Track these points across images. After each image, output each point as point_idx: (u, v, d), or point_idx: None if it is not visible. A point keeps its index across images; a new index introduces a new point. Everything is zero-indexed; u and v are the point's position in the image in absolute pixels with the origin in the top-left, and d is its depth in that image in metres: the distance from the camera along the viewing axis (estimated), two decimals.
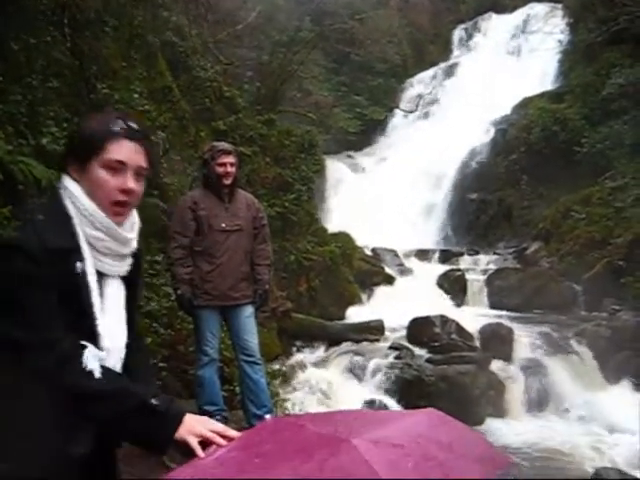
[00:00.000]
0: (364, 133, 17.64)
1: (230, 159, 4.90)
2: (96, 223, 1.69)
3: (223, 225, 4.86)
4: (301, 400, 7.19)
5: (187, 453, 1.64)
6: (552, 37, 17.71)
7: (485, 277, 11.47)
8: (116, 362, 1.73)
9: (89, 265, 1.67)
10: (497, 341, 8.52)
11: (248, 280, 4.94)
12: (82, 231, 1.68)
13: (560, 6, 18.85)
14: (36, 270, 1.59)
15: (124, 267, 1.79)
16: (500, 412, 7.58)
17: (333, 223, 12.73)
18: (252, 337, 4.92)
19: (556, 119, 14.20)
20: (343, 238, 11.53)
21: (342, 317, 10.16)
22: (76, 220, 1.68)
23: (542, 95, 16.03)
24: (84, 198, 1.68)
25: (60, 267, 1.62)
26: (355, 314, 10.18)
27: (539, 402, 7.77)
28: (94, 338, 1.66)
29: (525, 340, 8.58)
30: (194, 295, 4.84)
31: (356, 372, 8.01)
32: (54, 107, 6.23)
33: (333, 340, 8.93)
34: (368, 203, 14.45)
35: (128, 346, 1.78)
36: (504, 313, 10.32)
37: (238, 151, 5.65)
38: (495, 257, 12.75)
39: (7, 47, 5.81)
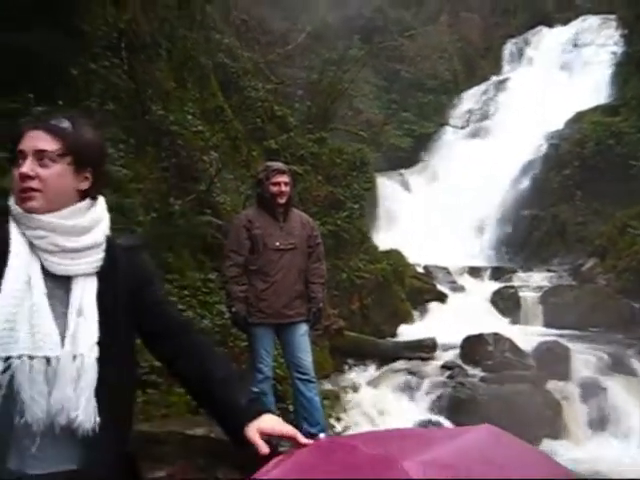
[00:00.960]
0: (415, 150, 17.58)
1: (284, 178, 4.96)
2: (27, 222, 1.69)
3: (277, 244, 4.91)
4: (353, 419, 7.15)
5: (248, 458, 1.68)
6: (605, 49, 17.42)
7: (539, 294, 11.26)
8: (80, 363, 1.67)
9: (13, 267, 1.64)
10: (553, 360, 8.33)
11: (302, 298, 4.97)
12: (24, 237, 1.68)
13: (613, 17, 18.54)
14: None
15: (81, 265, 1.73)
16: (557, 433, 7.39)
17: (385, 241, 12.69)
18: (306, 355, 4.94)
19: (611, 132, 13.93)
20: (395, 256, 11.49)
21: (394, 335, 10.10)
22: (14, 229, 1.69)
23: (596, 109, 15.76)
24: (12, 201, 1.71)
25: None
26: (407, 332, 10.10)
27: (598, 423, 7.56)
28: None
29: (582, 359, 8.37)
30: (249, 313, 4.89)
31: (408, 391, 7.93)
32: (111, 129, 6.40)
33: (385, 358, 8.87)
34: (419, 220, 14.38)
35: (100, 344, 1.70)
36: (560, 331, 10.10)
37: (292, 170, 5.70)
38: (549, 274, 12.51)
39: (67, 73, 6.00)
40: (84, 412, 1.65)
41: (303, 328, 4.97)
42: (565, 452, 6.97)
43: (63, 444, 1.66)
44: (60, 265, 1.70)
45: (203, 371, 1.82)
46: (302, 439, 1.69)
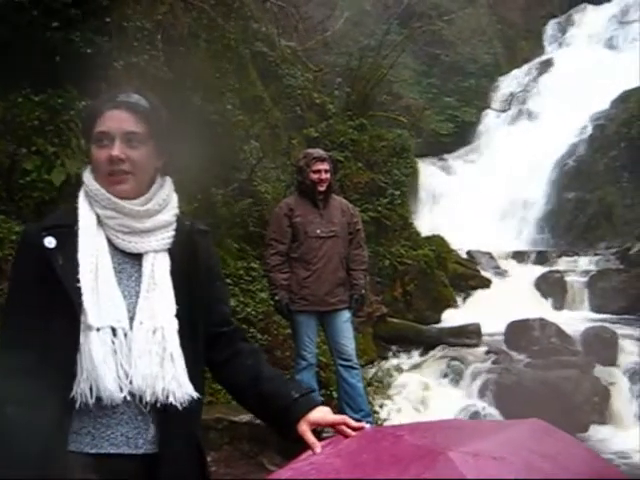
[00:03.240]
0: (456, 135, 17.36)
1: (324, 166, 4.97)
2: (102, 202, 1.68)
3: (318, 231, 4.92)
4: (397, 406, 7.15)
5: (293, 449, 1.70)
6: None
7: (586, 279, 11.05)
8: (161, 337, 1.65)
9: (84, 242, 1.65)
10: (600, 345, 8.20)
11: (344, 285, 4.99)
12: (93, 213, 1.69)
13: None
14: (23, 251, 1.72)
15: (152, 243, 1.72)
16: (605, 419, 7.29)
17: (427, 227, 12.60)
18: (349, 342, 4.96)
19: None
20: (437, 241, 11.41)
21: (438, 321, 10.05)
22: (84, 204, 1.70)
23: None
24: (90, 180, 1.71)
25: (36, 244, 1.65)
26: (451, 318, 10.03)
27: None
28: (73, 313, 1.60)
29: (631, 344, 8.22)
30: (291, 300, 4.92)
31: (453, 377, 7.89)
32: None
33: (429, 344, 8.83)
34: (462, 205, 14.22)
35: (180, 318, 1.69)
36: (607, 316, 9.92)
37: (332, 157, 5.70)
38: (596, 258, 12.25)
39: (109, 67, 6.08)
40: (175, 387, 1.64)
41: (346, 315, 4.99)
42: (613, 438, 6.88)
43: (136, 423, 1.64)
44: (130, 243, 1.71)
45: (255, 371, 1.82)
46: (352, 423, 1.70)
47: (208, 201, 7.18)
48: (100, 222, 1.69)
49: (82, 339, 1.59)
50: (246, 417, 4.98)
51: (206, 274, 1.81)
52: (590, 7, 20.25)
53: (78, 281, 1.61)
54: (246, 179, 8.09)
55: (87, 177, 1.73)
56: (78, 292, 1.60)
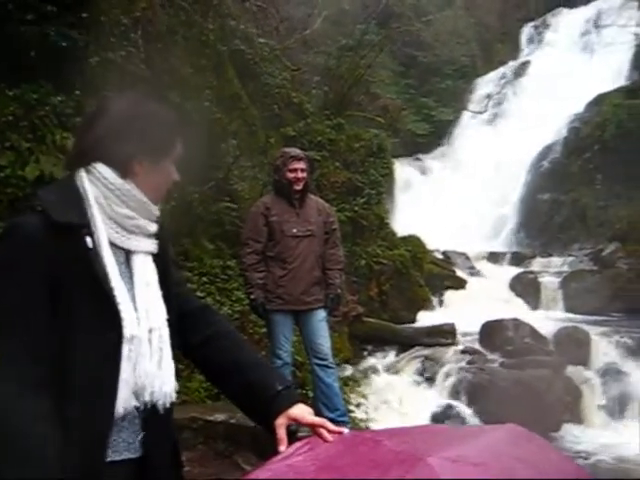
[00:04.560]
0: (433, 135, 17.48)
1: (301, 165, 4.96)
2: (129, 202, 1.64)
3: (294, 231, 4.92)
4: (373, 405, 7.18)
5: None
6: (627, 30, 17.16)
7: (559, 280, 11.18)
8: (159, 337, 1.64)
9: (103, 240, 1.58)
10: (573, 345, 8.30)
11: (320, 284, 4.99)
12: (106, 210, 1.61)
13: None
14: (28, 250, 1.51)
15: (153, 245, 1.72)
16: (577, 418, 7.38)
17: (403, 226, 12.65)
18: (325, 341, 4.96)
19: (632, 115, 13.75)
20: (413, 241, 11.46)
21: (413, 321, 10.09)
22: (94, 201, 1.60)
23: (617, 91, 15.54)
24: (115, 178, 1.63)
25: (69, 243, 1.54)
26: (426, 318, 10.09)
27: (618, 408, 7.53)
28: (115, 321, 1.55)
29: (603, 344, 8.33)
30: (267, 300, 4.91)
31: (428, 377, 7.94)
32: None
33: (404, 344, 8.87)
34: (438, 206, 14.33)
35: (168, 321, 1.69)
36: (580, 316, 10.04)
37: (309, 157, 5.70)
38: (570, 259, 12.40)
39: (85, 63, 6.02)
40: (168, 387, 1.64)
41: (321, 314, 4.99)
42: (584, 437, 6.97)
43: (133, 427, 1.63)
44: (142, 243, 1.69)
45: (235, 356, 1.81)
46: (331, 426, 1.70)
47: (184, 200, 7.13)
48: (116, 221, 1.65)
49: (125, 349, 1.56)
50: (221, 416, 4.97)
51: (171, 265, 1.82)
52: (566, 11, 20.48)
53: (112, 287, 1.57)
54: (223, 178, 8.06)
55: (109, 174, 1.63)
56: (116, 299, 1.57)
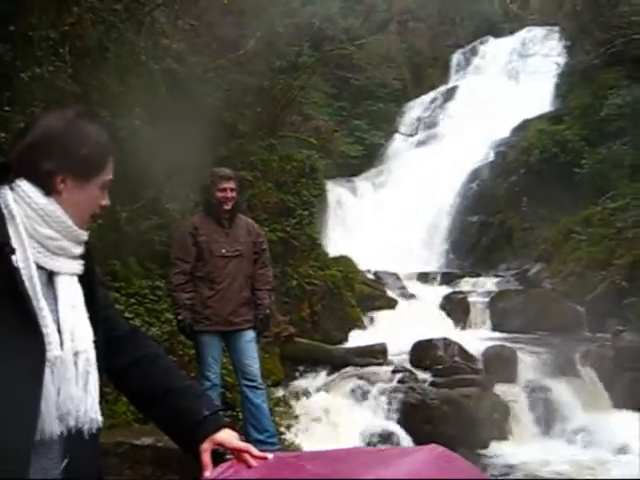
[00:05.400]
0: (365, 157, 17.70)
1: (230, 184, 4.95)
2: (52, 223, 1.59)
3: (223, 251, 4.89)
4: (304, 426, 7.14)
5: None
6: (550, 60, 17.83)
7: (487, 299, 11.43)
8: (85, 360, 1.60)
9: (29, 259, 1.53)
10: (501, 363, 8.48)
11: (249, 305, 4.96)
12: (28, 229, 1.56)
13: (557, 29, 19.01)
14: None
15: (79, 266, 1.67)
16: (505, 435, 7.52)
17: (335, 247, 12.73)
18: (253, 362, 4.93)
19: (555, 141, 14.25)
20: (344, 262, 11.53)
21: (345, 341, 10.12)
22: (17, 219, 1.55)
23: (541, 117, 16.10)
24: (39, 197, 1.58)
25: None
26: (358, 338, 10.13)
27: (544, 424, 7.71)
28: (38, 342, 1.49)
29: (529, 362, 8.54)
30: (195, 320, 4.86)
31: (359, 396, 7.96)
32: None
33: (336, 365, 8.88)
34: (369, 227, 14.47)
35: (95, 343, 1.64)
36: (507, 335, 10.27)
37: (239, 176, 5.70)
38: (497, 279, 12.72)
39: (13, 78, 5.87)
40: (93, 412, 1.59)
41: (250, 335, 4.96)
42: (512, 454, 7.09)
43: (52, 454, 1.55)
44: (66, 264, 1.63)
45: (162, 380, 1.79)
46: (255, 452, 1.69)
47: (113, 218, 7.00)
48: (38, 242, 1.59)
49: (48, 372, 1.51)
50: (148, 440, 4.85)
51: (97, 286, 1.76)
52: (492, 39, 21.15)
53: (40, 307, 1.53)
54: (153, 197, 7.96)
55: (32, 193, 1.59)
56: (40, 320, 1.51)
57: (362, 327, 10.70)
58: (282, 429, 6.43)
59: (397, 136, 18.64)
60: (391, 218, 14.53)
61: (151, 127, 8.61)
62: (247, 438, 4.96)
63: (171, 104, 10.04)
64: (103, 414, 1.66)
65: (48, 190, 1.61)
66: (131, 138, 7.78)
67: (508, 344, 9.06)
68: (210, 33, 11.77)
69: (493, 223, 14.72)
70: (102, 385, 1.67)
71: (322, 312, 10.21)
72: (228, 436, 1.72)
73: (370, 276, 12.43)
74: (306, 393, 8.05)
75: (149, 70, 9.55)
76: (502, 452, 7.18)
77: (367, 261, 12.56)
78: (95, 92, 7.62)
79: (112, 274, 6.86)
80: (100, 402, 1.64)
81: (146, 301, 6.87)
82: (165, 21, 11.24)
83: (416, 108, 19.80)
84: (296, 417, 7.20)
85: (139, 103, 8.66)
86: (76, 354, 1.58)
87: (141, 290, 6.96)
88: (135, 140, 7.89)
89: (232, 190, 4.94)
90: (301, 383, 8.46)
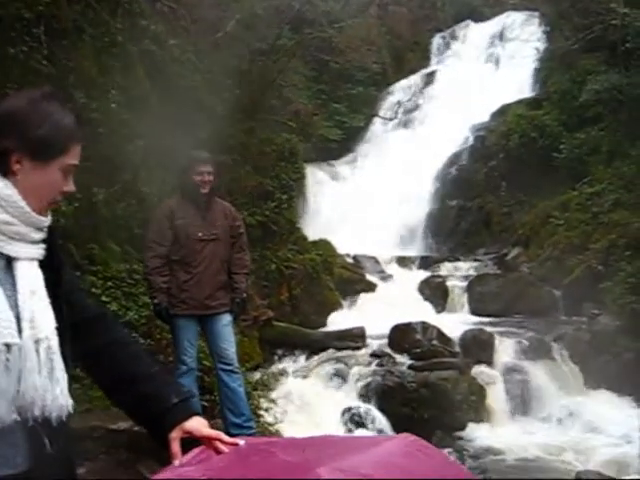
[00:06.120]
0: (344, 141, 17.64)
1: (207, 168, 4.92)
2: (7, 207, 1.57)
3: (200, 234, 4.87)
4: (282, 409, 7.16)
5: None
6: (529, 45, 17.86)
7: (466, 283, 11.50)
8: (47, 348, 1.57)
9: None
10: (478, 347, 8.56)
11: (225, 289, 4.95)
12: None
13: (537, 14, 19.01)
14: None
15: (39, 251, 1.63)
16: (482, 417, 7.61)
17: (314, 231, 12.71)
18: (230, 345, 4.93)
19: (534, 126, 14.30)
20: (324, 246, 11.53)
21: (324, 325, 10.16)
22: None
23: (520, 102, 16.12)
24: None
25: None
26: (337, 322, 10.17)
27: (521, 407, 7.82)
28: None
29: (506, 345, 8.63)
30: (171, 304, 4.84)
31: (337, 380, 8.01)
32: None
33: (315, 348, 8.92)
34: (348, 211, 14.47)
35: (58, 330, 1.62)
36: (485, 319, 10.36)
37: (216, 160, 5.65)
38: (475, 263, 12.79)
39: None
40: (62, 400, 1.57)
41: (226, 318, 4.95)
42: (488, 436, 7.19)
43: (13, 440, 1.52)
44: (24, 249, 1.60)
45: (130, 366, 1.77)
46: (226, 439, 1.69)
47: (89, 201, 6.93)
48: None
49: (2, 359, 1.48)
50: (124, 424, 4.83)
51: (62, 271, 1.74)
52: (472, 24, 21.12)
53: None
54: (130, 180, 7.89)
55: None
56: None
57: (341, 311, 10.74)
58: (261, 412, 6.44)
59: (377, 120, 18.60)
60: (370, 202, 14.53)
61: (128, 109, 8.51)
62: (224, 421, 4.97)
63: (149, 86, 9.94)
64: (80, 399, 1.65)
65: (3, 170, 1.58)
66: (107, 120, 7.70)
67: (486, 328, 9.13)
68: (189, 15, 11.63)
69: (472, 208, 14.78)
70: (77, 370, 1.65)
71: (301, 296, 10.22)
72: (197, 424, 1.72)
73: (349, 260, 12.45)
74: (284, 376, 8.07)
75: (126, 52, 9.43)
76: (479, 434, 7.27)
77: (346, 245, 12.57)
78: (71, 74, 7.51)
79: (89, 257, 6.80)
80: (76, 388, 1.63)
81: (123, 285, 6.82)
82: (143, 3, 11.10)
83: (396, 92, 19.73)
84: (274, 400, 7.21)
85: (116, 85, 8.56)
86: (37, 342, 1.55)
87: (119, 274, 6.91)
88: (112, 122, 7.80)
89: (209, 174, 4.91)
90: (279, 366, 8.49)
